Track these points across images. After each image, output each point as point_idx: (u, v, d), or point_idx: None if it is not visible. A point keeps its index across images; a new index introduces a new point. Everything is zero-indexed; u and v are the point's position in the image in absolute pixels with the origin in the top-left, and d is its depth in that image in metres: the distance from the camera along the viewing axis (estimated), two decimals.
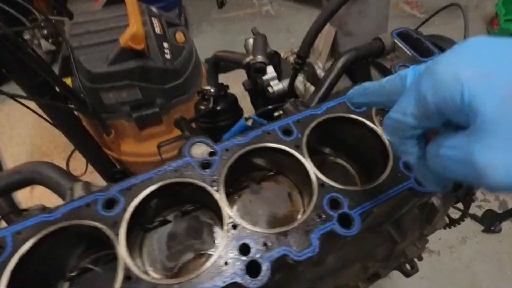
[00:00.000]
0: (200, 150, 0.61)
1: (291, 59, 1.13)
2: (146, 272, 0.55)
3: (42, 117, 1.66)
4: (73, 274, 0.60)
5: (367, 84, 0.46)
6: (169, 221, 0.64)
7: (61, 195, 0.67)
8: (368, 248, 0.80)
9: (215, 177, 0.58)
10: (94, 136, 1.94)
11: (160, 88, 1.72)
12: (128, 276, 0.48)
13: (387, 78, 0.43)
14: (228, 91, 1.17)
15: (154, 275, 0.58)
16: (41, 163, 0.68)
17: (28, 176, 0.66)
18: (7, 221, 1.05)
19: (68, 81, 1.69)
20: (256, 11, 3.76)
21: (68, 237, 0.55)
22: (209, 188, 0.56)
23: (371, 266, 0.82)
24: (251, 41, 0.94)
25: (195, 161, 0.59)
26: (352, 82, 0.94)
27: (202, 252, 0.61)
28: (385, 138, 0.63)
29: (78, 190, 0.58)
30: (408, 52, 0.78)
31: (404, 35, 0.81)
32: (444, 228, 0.98)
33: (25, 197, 2.64)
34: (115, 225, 0.52)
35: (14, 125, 2.94)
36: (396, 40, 0.80)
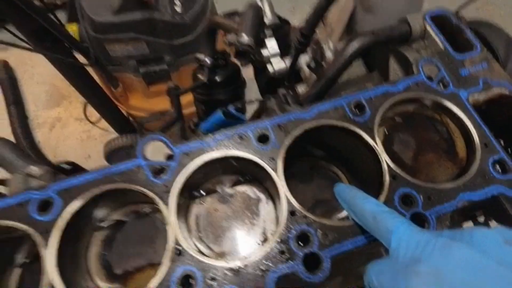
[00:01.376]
0: (156, 150, 0.52)
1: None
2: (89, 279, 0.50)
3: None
4: (23, 262, 0.56)
5: (357, 200, 0.46)
6: (123, 221, 0.57)
7: (9, 170, 0.62)
8: (351, 266, 0.71)
9: (167, 187, 0.49)
10: (104, 88, 1.89)
11: (168, 44, 1.60)
12: None
13: (374, 211, 0.44)
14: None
15: (97, 283, 0.53)
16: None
17: None
18: None
19: (74, 27, 1.59)
20: None
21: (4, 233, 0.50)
22: (157, 201, 0.48)
23: (353, 282, 0.75)
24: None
25: (146, 165, 0.50)
26: (367, 69, 0.78)
27: (152, 263, 0.54)
28: (383, 159, 0.51)
29: (15, 183, 0.52)
30: (441, 44, 0.61)
31: (440, 19, 0.63)
32: None
33: (44, 137, 2.72)
34: (46, 232, 0.46)
35: (36, 63, 2.93)
36: (428, 26, 0.62)
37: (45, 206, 0.48)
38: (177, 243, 0.45)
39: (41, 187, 0.49)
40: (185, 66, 1.77)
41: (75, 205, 0.47)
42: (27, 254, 0.57)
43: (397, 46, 0.66)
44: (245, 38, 0.60)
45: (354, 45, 0.61)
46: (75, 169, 0.60)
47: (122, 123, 2.21)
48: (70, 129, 2.76)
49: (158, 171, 0.50)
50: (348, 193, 0.48)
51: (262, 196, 0.59)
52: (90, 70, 1.80)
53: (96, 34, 1.52)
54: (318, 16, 0.62)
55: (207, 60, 0.90)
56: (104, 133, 2.67)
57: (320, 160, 0.66)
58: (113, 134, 2.63)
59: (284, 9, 3.08)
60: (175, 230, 0.46)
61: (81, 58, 1.65)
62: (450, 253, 0.34)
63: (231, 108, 0.59)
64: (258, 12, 0.63)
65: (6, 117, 2.83)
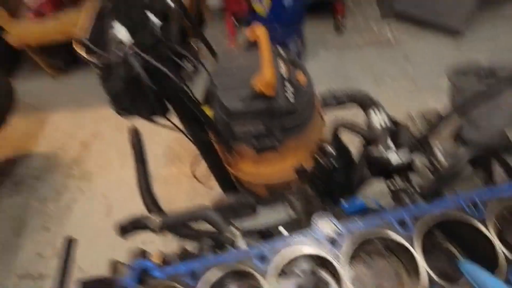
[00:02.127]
0: (326, 226, 0.80)
1: (410, 124, 1.21)
2: None
3: (183, 133, 2.09)
4: None
5: (486, 281, 0.61)
6: (299, 275, 0.84)
7: (219, 230, 0.94)
8: None
9: (338, 253, 0.75)
10: (220, 152, 2.35)
11: (280, 125, 1.98)
12: None
13: None
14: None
15: None
16: (211, 209, 0.97)
17: (203, 215, 0.96)
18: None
19: (206, 109, 2.08)
20: (375, 38, 3.73)
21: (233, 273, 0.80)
22: (331, 260, 0.74)
23: None
24: (371, 112, 1.06)
25: (321, 234, 0.78)
26: (473, 169, 0.98)
27: None
28: (497, 246, 0.70)
29: (241, 242, 0.83)
30: None
31: None
32: None
33: (160, 191, 3.27)
34: (264, 275, 0.75)
35: (157, 130, 3.63)
36: None
37: (263, 258, 0.77)
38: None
39: (259, 246, 0.79)
40: (288, 139, 2.13)
41: (282, 262, 0.76)
42: None
43: (500, 153, 0.87)
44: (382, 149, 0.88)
45: (466, 154, 0.83)
46: (270, 234, 0.91)
47: (228, 184, 2.62)
48: (181, 186, 3.27)
49: (331, 240, 0.77)
50: (476, 272, 0.65)
51: (397, 268, 0.81)
52: None
53: (227, 118, 1.98)
54: (431, 130, 0.87)
55: (333, 152, 1.19)
56: (208, 191, 3.12)
57: (440, 240, 0.86)
58: (215, 192, 3.06)
59: (368, 83, 3.37)
60: (348, 285, 0.71)
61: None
62: None
63: (374, 200, 0.85)
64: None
65: (133, 172, 3.49)
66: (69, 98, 4.06)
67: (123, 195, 3.13)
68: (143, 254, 0.88)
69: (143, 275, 0.81)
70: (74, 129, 3.77)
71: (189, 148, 3.42)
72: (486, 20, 3.51)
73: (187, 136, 2.17)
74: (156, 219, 0.99)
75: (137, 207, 1.09)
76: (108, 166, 3.42)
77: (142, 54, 1.28)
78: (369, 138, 0.96)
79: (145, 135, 3.75)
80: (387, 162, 0.86)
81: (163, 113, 1.80)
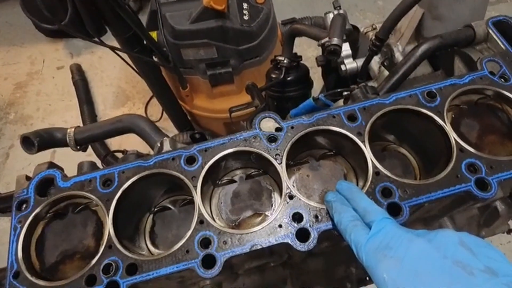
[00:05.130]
0: (268, 124, 0.68)
1: (371, 34, 1.09)
2: (213, 220, 0.66)
3: (129, 65, 1.86)
4: (155, 209, 0.75)
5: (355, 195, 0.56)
6: (235, 181, 0.74)
7: (150, 144, 0.81)
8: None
9: (278, 151, 0.65)
10: (172, 87, 2.14)
11: (235, 49, 1.79)
12: (201, 221, 0.60)
13: (352, 227, 0.52)
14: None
15: (219, 223, 0.70)
16: (139, 116, 0.82)
17: (127, 126, 0.81)
18: (105, 163, 1.25)
19: (154, 34, 1.83)
20: None
21: (156, 180, 0.68)
22: (272, 160, 0.64)
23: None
24: (330, 15, 0.93)
25: (263, 134, 0.66)
26: (432, 69, 0.90)
27: (259, 212, 0.70)
28: (452, 136, 0.63)
29: (167, 145, 0.70)
30: (502, 45, 0.72)
31: (501, 25, 0.74)
32: (508, 233, 0.94)
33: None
34: (193, 179, 0.64)
35: (105, 68, 3.29)
36: (490, 30, 0.73)
37: (191, 160, 0.65)
38: (288, 189, 0.61)
39: (187, 147, 0.67)
40: (246, 69, 1.96)
41: (212, 160, 0.65)
42: (156, 204, 0.75)
43: (461, 48, 0.78)
44: (336, 40, 0.75)
45: (425, 46, 0.73)
46: (202, 137, 0.78)
47: (182, 121, 2.45)
48: None
49: (272, 139, 0.66)
50: (349, 190, 0.58)
51: (344, 169, 0.73)
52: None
53: (174, 40, 1.75)
54: (394, 21, 0.75)
55: (285, 61, 1.06)
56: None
57: (391, 143, 0.78)
58: (170, 133, 2.89)
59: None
60: (287, 181, 0.62)
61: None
62: (411, 246, 0.46)
63: (321, 96, 0.73)
64: (344, 20, 0.78)
65: (79, 114, 3.18)
66: None
67: None
68: (51, 166, 0.73)
69: (47, 187, 0.66)
70: (6, 68, 3.32)
71: (142, 89, 3.13)
72: None
73: (135, 71, 1.93)
74: (70, 132, 0.82)
75: (84, 154, 0.93)
76: (49, 108, 3.09)
77: None
78: (324, 37, 0.82)
79: (92, 76, 3.37)
80: (338, 50, 0.75)
81: (97, 32, 1.54)
